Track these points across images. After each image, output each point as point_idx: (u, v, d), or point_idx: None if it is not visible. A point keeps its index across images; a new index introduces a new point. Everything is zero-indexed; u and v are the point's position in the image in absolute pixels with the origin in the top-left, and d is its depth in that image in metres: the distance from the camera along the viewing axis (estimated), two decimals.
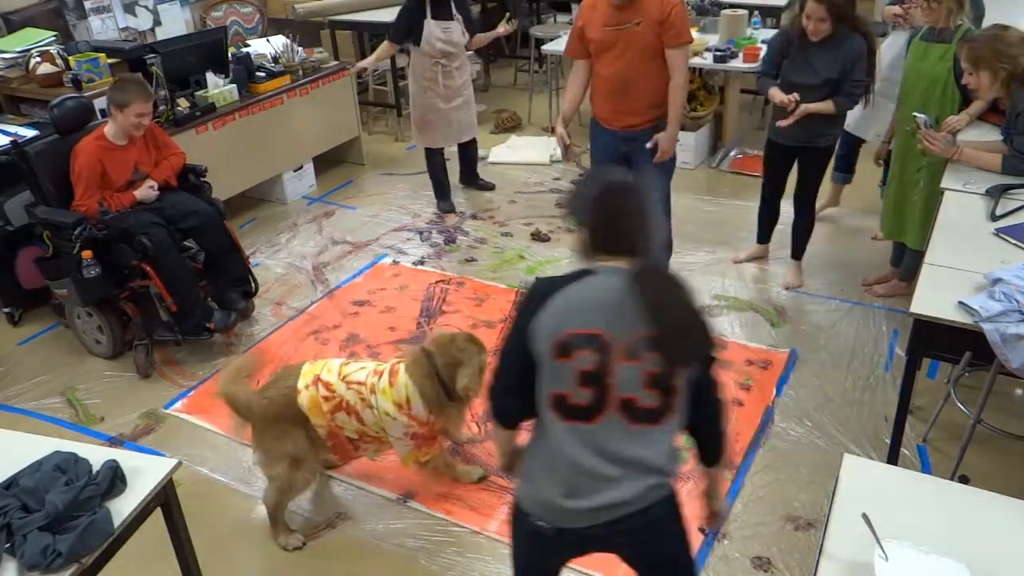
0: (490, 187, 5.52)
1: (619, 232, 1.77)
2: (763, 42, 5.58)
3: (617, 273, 1.72)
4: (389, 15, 6.14)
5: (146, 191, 3.76)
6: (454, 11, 4.77)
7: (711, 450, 1.94)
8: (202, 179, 4.07)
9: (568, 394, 1.73)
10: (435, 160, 5.17)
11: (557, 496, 1.76)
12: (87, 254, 3.56)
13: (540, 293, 1.77)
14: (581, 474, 1.74)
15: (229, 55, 5.06)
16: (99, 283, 3.65)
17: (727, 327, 3.92)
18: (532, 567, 1.97)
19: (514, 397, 1.85)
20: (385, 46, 5.03)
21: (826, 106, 3.64)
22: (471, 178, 5.53)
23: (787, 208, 4.22)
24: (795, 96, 3.66)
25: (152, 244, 3.60)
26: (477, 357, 2.77)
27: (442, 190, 5.26)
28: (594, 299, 1.73)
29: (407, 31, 4.78)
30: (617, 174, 1.89)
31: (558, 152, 5.90)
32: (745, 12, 5.59)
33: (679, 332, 1.68)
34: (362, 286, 4.46)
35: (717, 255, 4.56)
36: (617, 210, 1.78)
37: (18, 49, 5.01)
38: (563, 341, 1.72)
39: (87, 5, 5.62)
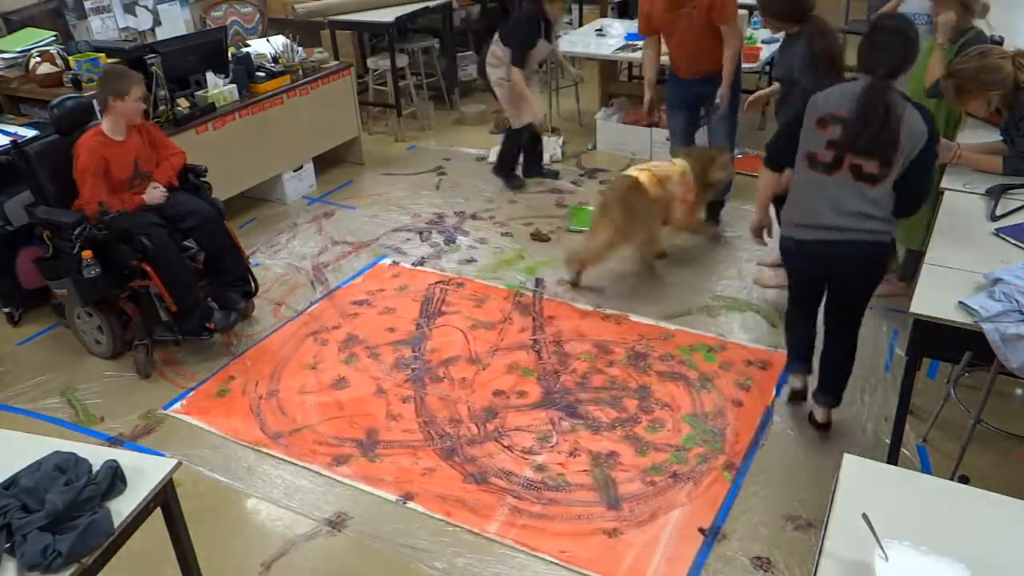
0: (554, 174, 5.68)
1: (872, 54, 2.67)
2: (763, 42, 5.58)
3: (864, 81, 2.67)
4: (389, 15, 6.17)
5: (153, 193, 3.77)
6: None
7: (901, 206, 2.77)
8: (202, 179, 4.07)
9: (818, 152, 2.75)
10: (519, 138, 5.42)
11: (800, 220, 2.87)
12: (87, 254, 3.56)
13: (826, 90, 2.77)
14: (817, 210, 2.80)
15: (229, 55, 5.06)
16: (99, 283, 3.65)
17: (727, 327, 3.93)
18: (800, 283, 3.11)
19: (784, 149, 2.88)
20: (516, 74, 5.13)
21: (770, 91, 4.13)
22: (539, 168, 5.69)
23: None
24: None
25: (152, 244, 3.60)
26: (721, 159, 4.41)
27: (514, 169, 5.55)
28: (846, 94, 2.70)
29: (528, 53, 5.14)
30: (897, 19, 2.88)
31: (559, 152, 5.93)
32: (745, 12, 5.58)
33: (863, 128, 2.64)
34: (362, 287, 4.46)
35: (718, 255, 4.56)
36: (876, 38, 2.69)
37: (18, 49, 5.01)
38: (822, 117, 2.73)
39: (87, 5, 5.62)
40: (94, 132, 3.67)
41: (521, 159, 5.57)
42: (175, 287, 3.70)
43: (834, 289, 3.01)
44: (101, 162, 3.62)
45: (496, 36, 5.27)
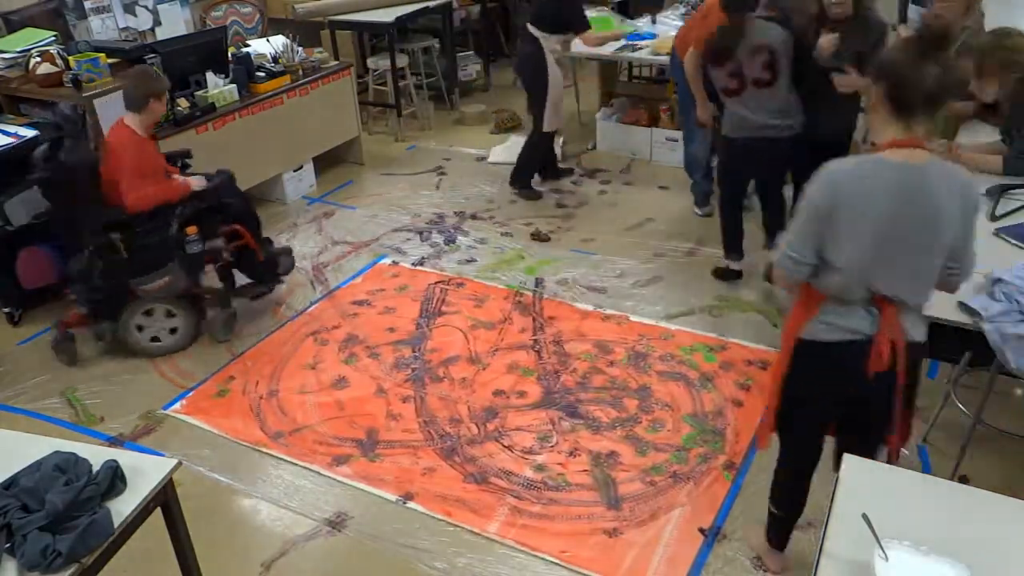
0: (569, 172, 5.65)
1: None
2: None
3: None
4: (389, 15, 6.17)
5: (196, 180, 3.84)
6: None
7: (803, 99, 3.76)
8: (186, 160, 4.10)
9: (728, 85, 3.73)
10: (549, 143, 5.41)
11: (739, 126, 3.82)
12: (191, 229, 3.66)
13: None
14: (749, 119, 3.75)
15: (229, 55, 5.06)
16: (202, 257, 3.80)
17: (727, 327, 3.92)
18: (737, 176, 4.14)
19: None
20: (589, 37, 5.07)
21: None
22: (556, 171, 5.62)
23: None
24: None
25: (232, 202, 3.78)
26: None
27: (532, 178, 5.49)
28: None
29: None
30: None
31: (559, 153, 5.91)
32: None
33: (742, 50, 3.63)
34: (362, 287, 4.46)
35: (718, 255, 4.56)
36: None
37: (18, 49, 5.00)
38: (716, 61, 3.72)
39: (87, 5, 5.61)
40: (129, 132, 3.61)
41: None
42: (258, 237, 3.96)
43: (759, 172, 4.08)
44: (142, 159, 3.61)
45: (528, 24, 4.97)
